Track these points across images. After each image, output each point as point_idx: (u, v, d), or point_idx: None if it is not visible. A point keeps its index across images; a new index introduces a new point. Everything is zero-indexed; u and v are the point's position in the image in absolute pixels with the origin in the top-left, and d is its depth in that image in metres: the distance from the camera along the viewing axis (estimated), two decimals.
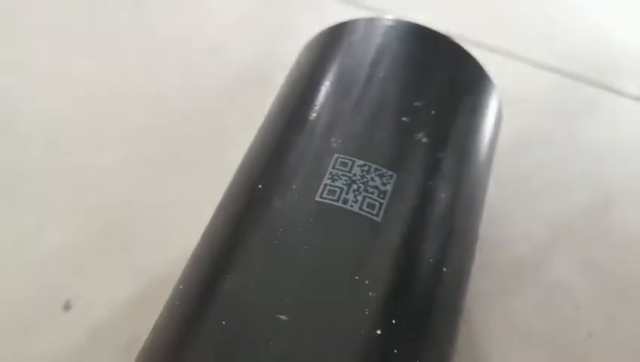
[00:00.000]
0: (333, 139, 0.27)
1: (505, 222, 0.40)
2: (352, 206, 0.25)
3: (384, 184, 0.26)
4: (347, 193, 0.25)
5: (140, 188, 0.43)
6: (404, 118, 0.29)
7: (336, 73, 0.31)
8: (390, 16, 0.34)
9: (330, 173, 0.26)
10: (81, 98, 0.47)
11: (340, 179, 0.26)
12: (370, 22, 0.33)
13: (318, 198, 0.25)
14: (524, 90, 0.48)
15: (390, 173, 0.26)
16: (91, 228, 0.40)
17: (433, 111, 0.29)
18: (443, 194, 0.27)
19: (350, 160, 0.27)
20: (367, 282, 0.23)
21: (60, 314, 0.37)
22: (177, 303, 0.25)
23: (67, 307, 0.37)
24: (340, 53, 0.32)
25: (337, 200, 0.25)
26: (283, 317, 0.22)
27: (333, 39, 0.33)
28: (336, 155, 0.27)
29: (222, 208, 0.28)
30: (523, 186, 0.43)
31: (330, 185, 0.26)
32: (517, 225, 0.41)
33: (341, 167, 0.26)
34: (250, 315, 0.23)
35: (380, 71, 0.31)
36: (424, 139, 0.28)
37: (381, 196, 0.26)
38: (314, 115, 0.29)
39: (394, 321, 0.23)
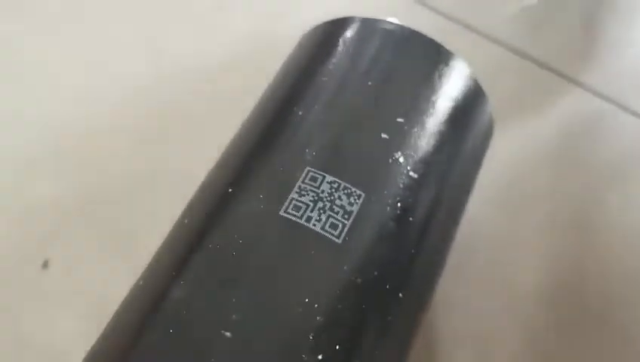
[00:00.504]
0: (308, 151, 0.27)
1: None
2: (314, 225, 0.25)
3: (351, 204, 0.26)
4: (312, 210, 0.25)
5: (130, 150, 0.43)
6: (383, 135, 0.28)
7: (324, 77, 0.30)
8: (393, 19, 0.32)
9: (299, 187, 0.26)
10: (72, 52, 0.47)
11: (308, 194, 0.26)
12: (369, 23, 0.32)
13: (282, 213, 0.25)
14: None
15: (359, 192, 0.26)
16: (76, 186, 0.41)
17: (416, 129, 0.29)
18: (411, 218, 0.27)
19: (321, 175, 0.26)
20: (316, 306, 0.24)
21: (38, 272, 0.38)
22: (132, 301, 0.25)
23: (45, 265, 0.38)
24: (331, 55, 0.31)
25: (301, 218, 0.25)
26: (227, 334, 0.23)
27: (326, 38, 0.32)
28: (307, 168, 0.26)
29: (191, 205, 0.28)
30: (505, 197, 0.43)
31: (297, 200, 0.26)
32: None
33: (310, 182, 0.26)
34: (197, 327, 0.23)
35: (369, 79, 0.30)
36: (401, 159, 0.28)
37: (346, 217, 0.26)
38: (295, 120, 0.29)
39: (338, 347, 0.23)
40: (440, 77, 0.31)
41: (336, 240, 0.25)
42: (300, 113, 0.29)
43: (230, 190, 0.27)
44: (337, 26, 0.32)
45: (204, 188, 0.29)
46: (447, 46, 0.32)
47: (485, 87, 0.33)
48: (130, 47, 0.48)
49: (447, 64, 0.31)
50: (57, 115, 0.44)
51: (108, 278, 0.37)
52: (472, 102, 0.32)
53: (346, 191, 0.26)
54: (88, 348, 0.25)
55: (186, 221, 0.27)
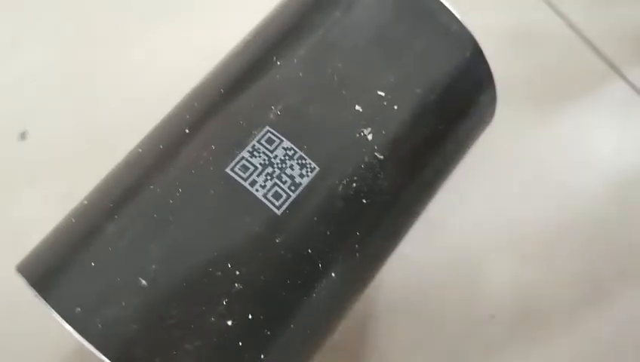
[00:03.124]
0: (273, 108, 0.26)
1: None
2: (257, 190, 0.24)
3: (302, 176, 0.25)
4: (259, 175, 0.25)
5: (121, 31, 0.42)
6: (357, 107, 0.27)
7: (314, 30, 0.28)
8: None
9: (253, 146, 0.25)
10: None
11: (260, 156, 0.25)
12: None
13: (228, 170, 0.25)
14: None
15: (313, 165, 0.25)
16: (66, 63, 0.40)
17: (396, 107, 0.27)
18: (365, 201, 0.26)
19: (278, 138, 0.25)
20: (237, 273, 0.24)
21: (15, 142, 0.38)
22: (73, 220, 0.26)
23: (23, 137, 0.38)
24: (325, 7, 0.28)
25: (245, 180, 0.25)
26: (143, 282, 0.23)
27: None
28: (267, 128, 0.25)
29: (150, 135, 0.27)
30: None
31: (247, 160, 0.25)
32: None
33: (266, 144, 0.25)
34: (117, 267, 0.23)
35: (361, 41, 0.28)
36: (369, 136, 0.26)
37: (292, 188, 0.25)
38: (271, 70, 0.27)
39: (250, 316, 0.24)
40: (442, 52, 0.29)
41: (276, 210, 0.24)
42: (278, 63, 0.27)
43: (187, 130, 0.26)
44: None
45: (168, 119, 0.28)
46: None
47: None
48: None
49: (454, 37, 0.29)
50: None
51: (76, 165, 0.38)
52: (474, 86, 0.29)
53: (300, 161, 0.25)
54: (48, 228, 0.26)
55: (139, 150, 0.27)
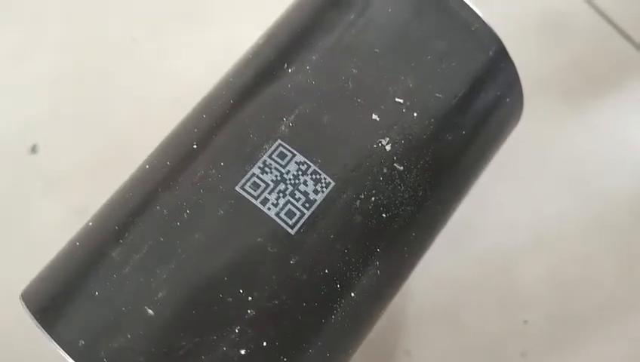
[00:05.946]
0: (285, 120, 0.24)
1: None
2: (269, 209, 0.23)
3: (316, 192, 0.24)
4: (271, 192, 0.23)
5: (136, 38, 0.41)
6: (374, 115, 0.25)
7: (327, 35, 0.26)
8: None
9: (264, 161, 0.24)
10: None
11: (271, 172, 0.23)
12: None
13: (238, 188, 0.23)
14: None
15: (329, 180, 0.24)
16: (75, 71, 0.39)
17: (416, 115, 0.25)
18: (384, 216, 0.25)
19: (290, 152, 0.24)
20: (250, 299, 0.22)
21: (26, 156, 0.37)
22: (77, 244, 0.24)
23: (34, 150, 0.38)
24: (339, 11, 0.27)
25: (257, 198, 0.23)
26: (150, 311, 0.22)
27: None
28: (279, 142, 0.24)
29: (157, 150, 0.26)
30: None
31: (257, 177, 0.23)
32: None
33: (278, 158, 0.24)
34: (122, 295, 0.22)
35: (377, 46, 0.26)
36: (388, 147, 0.25)
37: (306, 205, 0.23)
38: (282, 78, 0.25)
39: (265, 344, 0.22)
40: (463, 53, 0.27)
41: (290, 230, 0.23)
42: (290, 70, 0.25)
43: (195, 146, 0.25)
44: None
45: (176, 132, 0.26)
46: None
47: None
48: None
49: (476, 36, 0.27)
50: None
51: (88, 178, 0.37)
52: (499, 86, 0.27)
53: (314, 176, 0.24)
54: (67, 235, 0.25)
55: (147, 167, 0.26)
